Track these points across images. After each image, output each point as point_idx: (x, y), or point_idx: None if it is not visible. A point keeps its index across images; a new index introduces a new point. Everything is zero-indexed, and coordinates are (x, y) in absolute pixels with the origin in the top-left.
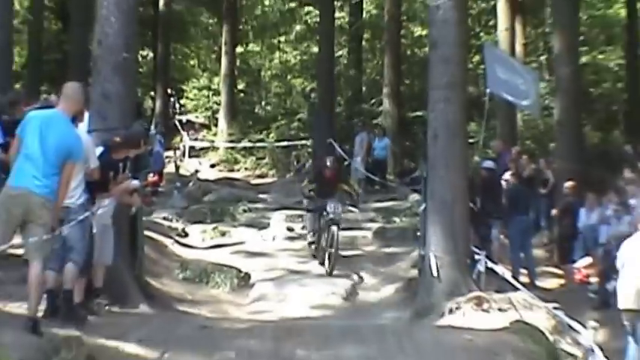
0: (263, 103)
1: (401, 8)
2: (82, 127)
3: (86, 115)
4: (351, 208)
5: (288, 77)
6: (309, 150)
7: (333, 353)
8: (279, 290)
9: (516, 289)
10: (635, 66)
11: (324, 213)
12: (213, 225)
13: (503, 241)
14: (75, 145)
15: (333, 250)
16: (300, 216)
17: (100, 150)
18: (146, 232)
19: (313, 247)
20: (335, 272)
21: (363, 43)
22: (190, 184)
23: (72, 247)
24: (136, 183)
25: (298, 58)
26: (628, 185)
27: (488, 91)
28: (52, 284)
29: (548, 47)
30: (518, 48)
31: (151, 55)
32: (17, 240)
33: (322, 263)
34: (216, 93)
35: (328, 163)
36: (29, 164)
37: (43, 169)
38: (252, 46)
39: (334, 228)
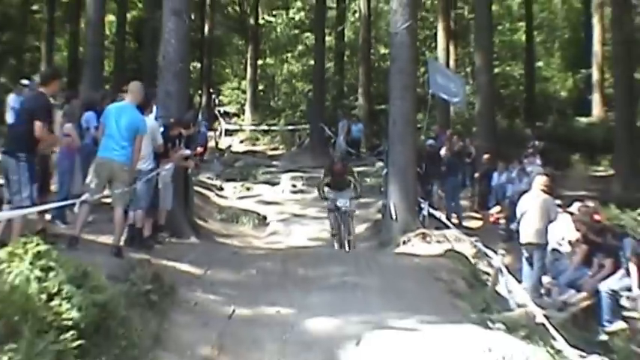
0: (276, 99)
1: (371, 34)
2: (151, 115)
3: (154, 107)
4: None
5: (293, 81)
6: (307, 132)
7: (324, 270)
8: (286, 227)
9: (449, 227)
10: (531, 75)
11: (339, 209)
12: (241, 183)
13: (440, 195)
14: (139, 123)
15: (351, 238)
16: (301, 177)
17: (161, 129)
18: (195, 187)
19: (336, 238)
20: (321, 214)
21: (345, 58)
22: (225, 154)
23: (140, 198)
24: (187, 152)
25: (300, 68)
26: (527, 157)
27: (430, 91)
28: (131, 223)
29: (471, 62)
30: (451, 62)
31: (199, 65)
32: (106, 192)
33: (342, 246)
34: (243, 92)
35: (336, 160)
36: (110, 140)
37: (120, 143)
38: (268, 60)
39: (348, 219)
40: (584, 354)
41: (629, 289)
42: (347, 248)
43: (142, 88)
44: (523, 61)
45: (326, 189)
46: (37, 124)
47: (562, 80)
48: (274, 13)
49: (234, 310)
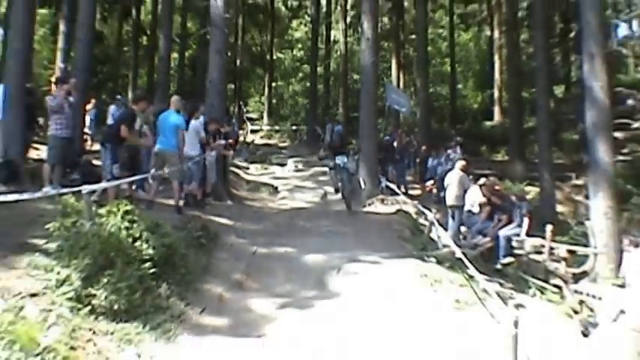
0: (284, 109)
1: (348, 66)
2: (200, 119)
3: (202, 115)
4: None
5: (296, 97)
6: (305, 131)
7: (316, 223)
8: (291, 194)
9: (399, 194)
10: (454, 93)
11: (338, 165)
12: (261, 164)
13: (393, 173)
14: (177, 121)
15: (347, 192)
16: (301, 161)
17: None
18: (230, 168)
19: (339, 192)
20: (314, 186)
21: (330, 82)
22: (250, 146)
23: (193, 175)
24: (223, 142)
25: (300, 88)
26: (451, 148)
27: (387, 104)
28: (186, 191)
29: (414, 84)
30: (401, 85)
31: (232, 86)
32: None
33: (344, 197)
34: (262, 104)
35: (334, 138)
36: (162, 136)
37: (169, 137)
38: (279, 83)
39: (344, 173)
40: (488, 278)
41: (518, 235)
42: (346, 201)
43: (179, 100)
44: (448, 84)
45: (326, 154)
46: (123, 127)
47: (474, 97)
48: (283, 51)
49: (256, 250)
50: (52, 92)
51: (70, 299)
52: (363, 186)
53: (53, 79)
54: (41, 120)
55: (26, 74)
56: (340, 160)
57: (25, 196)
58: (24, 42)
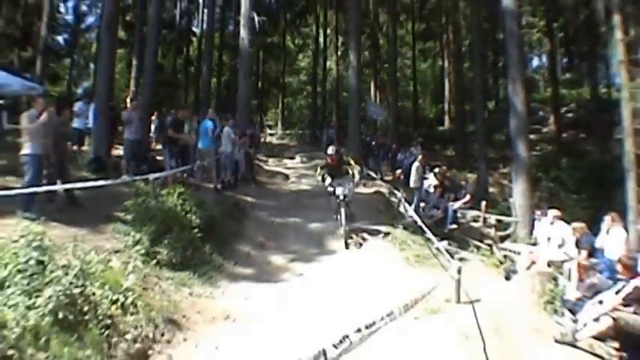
0: (293, 118)
1: (339, 86)
2: (229, 125)
3: (231, 122)
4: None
5: (302, 110)
6: (308, 134)
7: (316, 201)
8: (298, 180)
9: (376, 179)
10: (416, 107)
11: (338, 196)
12: (277, 158)
13: (372, 164)
14: (211, 126)
15: (347, 228)
16: (305, 156)
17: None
18: (255, 161)
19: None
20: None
21: (326, 98)
22: (268, 145)
23: (226, 165)
24: (247, 140)
25: (305, 103)
26: (413, 146)
27: (368, 114)
28: (223, 177)
29: (387, 100)
30: (378, 100)
31: (256, 102)
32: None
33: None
34: (277, 115)
35: (329, 151)
36: (202, 138)
37: (206, 138)
38: (289, 99)
39: (345, 206)
40: (439, 239)
41: (463, 208)
42: (342, 230)
43: (212, 112)
44: (412, 99)
45: (328, 179)
46: (170, 130)
47: (430, 109)
48: (292, 76)
49: (273, 220)
50: (126, 109)
51: (141, 255)
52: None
53: (128, 100)
54: (120, 128)
55: (109, 96)
56: (340, 191)
57: (109, 182)
58: (107, 73)
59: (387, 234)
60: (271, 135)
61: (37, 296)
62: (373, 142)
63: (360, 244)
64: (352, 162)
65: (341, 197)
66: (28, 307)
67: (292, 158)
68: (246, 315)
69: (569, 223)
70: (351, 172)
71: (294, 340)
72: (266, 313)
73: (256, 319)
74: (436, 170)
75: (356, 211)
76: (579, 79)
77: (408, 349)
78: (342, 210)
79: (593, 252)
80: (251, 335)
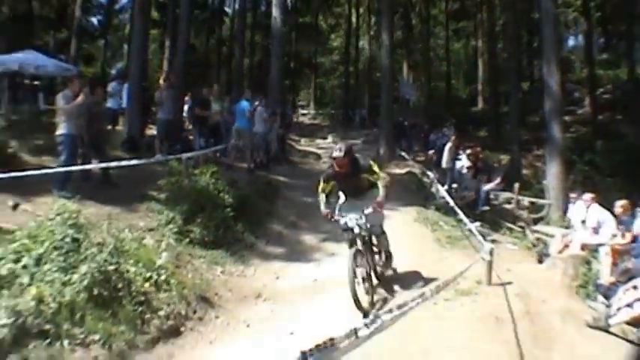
0: (325, 98)
1: (372, 65)
2: (262, 104)
3: (263, 102)
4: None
5: (334, 90)
6: (341, 114)
7: None
8: (330, 160)
9: (408, 160)
10: (448, 87)
11: (350, 231)
12: (309, 138)
13: (405, 145)
14: (248, 107)
15: (367, 285)
16: (337, 135)
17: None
18: (288, 141)
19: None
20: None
21: (359, 78)
22: (300, 125)
23: (259, 145)
24: (275, 118)
25: (337, 83)
26: (446, 127)
27: (401, 94)
28: (255, 157)
29: (420, 80)
30: (410, 80)
31: (288, 82)
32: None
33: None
34: (309, 95)
35: (335, 154)
36: (239, 118)
37: (243, 118)
38: (321, 79)
39: (363, 248)
40: (471, 220)
41: (495, 190)
42: (361, 289)
43: (248, 91)
44: (444, 80)
45: (339, 201)
46: (197, 108)
47: (463, 89)
48: (324, 56)
49: (305, 200)
50: (159, 89)
51: (175, 233)
52: (382, 153)
53: (161, 80)
54: (153, 108)
55: (142, 77)
56: (353, 219)
57: (143, 161)
58: (140, 54)
59: (417, 214)
60: (303, 115)
61: (72, 273)
62: (406, 123)
63: (391, 224)
64: (376, 167)
65: (356, 230)
66: (64, 284)
67: (324, 138)
68: (277, 293)
69: (605, 207)
70: (376, 183)
71: (325, 319)
72: (297, 292)
73: (287, 298)
74: (469, 151)
75: (393, 192)
76: (616, 60)
77: (438, 331)
78: (359, 256)
79: (636, 238)
80: (282, 314)
